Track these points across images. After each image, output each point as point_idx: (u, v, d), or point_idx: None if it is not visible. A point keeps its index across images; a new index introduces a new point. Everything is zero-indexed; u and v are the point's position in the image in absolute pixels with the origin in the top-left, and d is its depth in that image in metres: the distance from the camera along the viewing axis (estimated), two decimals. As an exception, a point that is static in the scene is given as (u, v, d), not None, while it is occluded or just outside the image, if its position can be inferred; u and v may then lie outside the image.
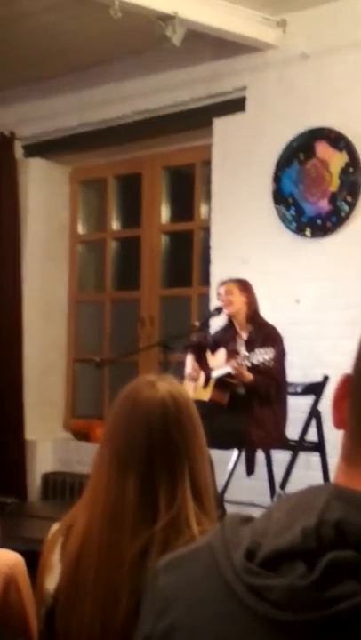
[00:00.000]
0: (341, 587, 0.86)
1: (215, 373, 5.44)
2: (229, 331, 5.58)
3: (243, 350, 5.36)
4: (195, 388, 5.51)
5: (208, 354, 5.63)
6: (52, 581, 1.92)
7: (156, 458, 1.87)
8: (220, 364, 5.43)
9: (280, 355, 5.28)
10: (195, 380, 5.56)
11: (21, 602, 2.01)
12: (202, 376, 5.58)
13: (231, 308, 5.49)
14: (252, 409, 5.32)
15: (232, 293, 5.49)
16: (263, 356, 5.10)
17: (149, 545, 1.81)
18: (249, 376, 5.23)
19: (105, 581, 1.83)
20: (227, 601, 0.91)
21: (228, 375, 5.32)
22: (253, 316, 5.49)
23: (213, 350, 5.59)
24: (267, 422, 5.33)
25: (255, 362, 5.13)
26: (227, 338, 5.57)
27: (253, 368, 5.18)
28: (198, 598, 0.94)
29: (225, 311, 5.54)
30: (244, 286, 5.53)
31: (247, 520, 0.97)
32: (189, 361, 5.62)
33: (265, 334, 5.39)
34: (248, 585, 0.90)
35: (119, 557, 1.83)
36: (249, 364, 5.17)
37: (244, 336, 5.49)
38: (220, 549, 0.94)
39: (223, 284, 5.57)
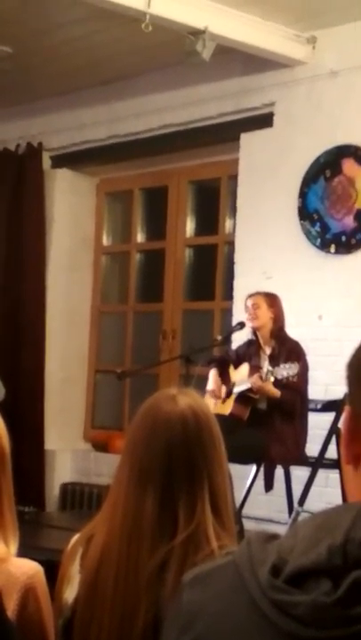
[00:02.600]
0: (366, 605, 0.86)
1: (237, 388, 5.43)
2: (253, 345, 5.58)
3: (266, 365, 5.35)
4: (215, 404, 5.50)
5: (231, 368, 5.62)
6: (70, 593, 1.92)
7: (175, 472, 1.86)
8: (242, 378, 5.42)
9: (304, 370, 5.27)
10: (217, 397, 5.54)
11: (40, 612, 2.01)
12: (223, 390, 5.57)
13: (256, 322, 5.47)
14: (274, 424, 5.31)
15: (259, 307, 5.47)
16: (288, 370, 5.09)
17: (168, 559, 1.81)
18: (276, 392, 5.22)
19: (123, 594, 1.82)
20: (251, 617, 0.91)
21: (250, 390, 5.31)
22: (278, 332, 5.47)
23: (236, 365, 5.59)
24: (287, 438, 5.31)
25: (280, 377, 5.12)
26: (250, 353, 5.56)
27: (278, 383, 5.17)
28: (223, 613, 0.94)
29: (249, 324, 5.52)
30: (273, 301, 5.51)
31: (273, 537, 0.97)
32: (213, 377, 5.60)
33: (288, 349, 5.38)
34: (273, 601, 0.90)
35: (138, 571, 1.82)
36: (273, 379, 5.15)
37: (268, 351, 5.48)
38: (246, 565, 0.94)
39: (251, 296, 5.55)
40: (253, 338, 5.58)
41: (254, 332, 5.55)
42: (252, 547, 0.96)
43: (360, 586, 0.87)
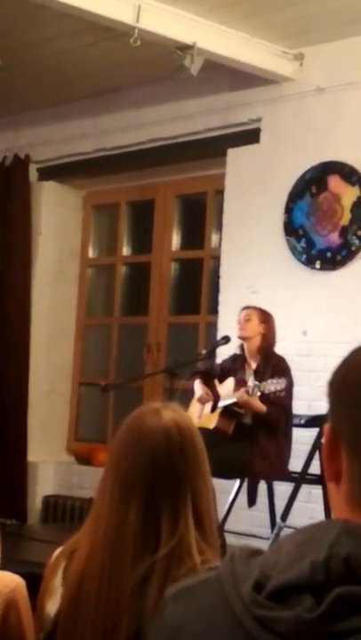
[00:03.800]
0: (348, 621, 0.86)
1: (222, 402, 5.43)
2: (238, 360, 5.57)
3: (251, 380, 5.35)
4: (200, 415, 5.50)
5: (216, 382, 5.62)
6: (52, 606, 1.92)
7: (159, 486, 1.86)
8: (227, 392, 5.42)
9: (290, 386, 5.28)
10: (207, 401, 5.52)
11: (21, 625, 2.01)
12: (209, 404, 5.57)
13: (244, 333, 5.46)
14: (258, 439, 5.31)
15: (250, 320, 5.46)
16: (275, 385, 5.09)
17: (151, 573, 1.81)
18: (262, 407, 5.22)
19: (105, 608, 1.82)
20: (234, 632, 0.91)
21: (236, 404, 5.31)
22: (266, 349, 5.46)
23: (221, 379, 5.59)
24: (271, 453, 5.31)
25: (267, 391, 5.11)
26: (235, 367, 5.56)
27: (264, 398, 5.17)
28: (205, 629, 0.94)
29: (238, 334, 5.51)
30: (265, 317, 5.49)
31: (256, 553, 0.97)
32: (198, 385, 5.59)
33: (274, 365, 5.38)
34: (256, 616, 0.90)
35: (120, 584, 1.82)
36: (260, 393, 5.15)
37: (253, 365, 5.48)
38: (229, 581, 0.94)
39: (246, 308, 5.55)
40: (239, 352, 5.58)
41: (241, 345, 5.55)
42: (235, 562, 0.97)
43: (343, 602, 0.87)
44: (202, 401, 5.52)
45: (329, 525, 0.93)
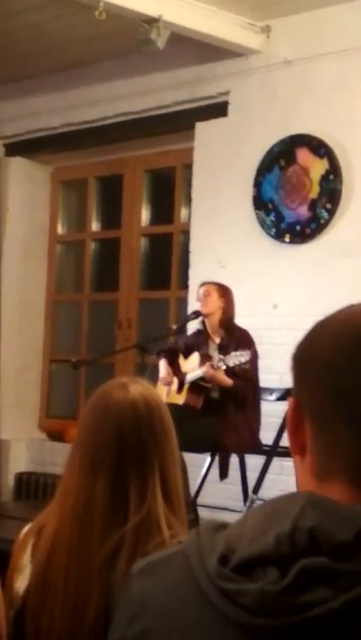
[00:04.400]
0: (313, 593, 0.86)
1: (189, 377, 5.44)
2: (201, 335, 5.60)
3: (216, 354, 5.37)
4: (168, 392, 5.51)
5: (181, 359, 5.64)
6: (21, 583, 1.92)
7: (126, 459, 1.87)
8: (193, 367, 5.44)
9: (254, 357, 5.30)
10: (169, 383, 5.56)
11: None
12: (175, 381, 5.58)
13: (205, 309, 5.49)
14: (227, 413, 5.33)
15: (210, 295, 5.49)
16: (239, 358, 5.11)
17: (120, 546, 1.81)
18: (228, 381, 5.24)
19: (74, 582, 1.82)
20: (200, 606, 0.91)
21: (202, 379, 5.33)
22: (227, 322, 5.49)
23: (186, 355, 5.60)
24: (240, 426, 5.33)
25: (231, 364, 5.14)
26: (199, 342, 5.58)
27: (230, 371, 5.19)
28: (172, 603, 0.94)
29: (199, 310, 5.54)
30: (224, 292, 5.53)
31: (222, 526, 0.97)
32: (163, 365, 5.62)
33: (237, 338, 5.40)
34: (221, 590, 0.90)
35: (89, 558, 1.82)
36: (224, 367, 5.17)
37: (217, 340, 5.50)
38: (195, 555, 0.94)
39: (204, 284, 5.58)
40: (202, 328, 5.60)
41: (203, 321, 5.57)
42: (200, 536, 0.96)
43: (307, 574, 0.87)
44: (163, 382, 5.53)
45: (294, 498, 0.93)
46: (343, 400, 0.95)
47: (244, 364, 5.11)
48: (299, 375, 1.02)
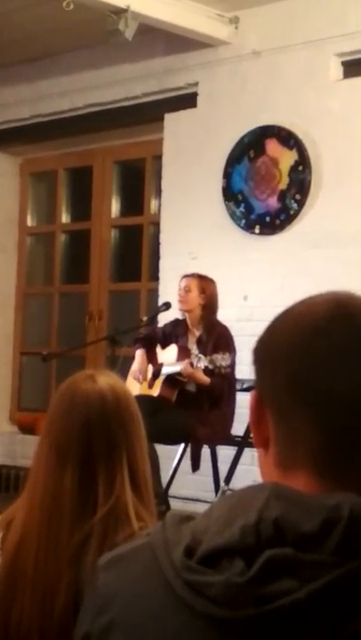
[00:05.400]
0: (278, 584, 0.87)
1: (165, 370, 5.41)
2: (180, 326, 5.56)
3: (195, 349, 5.34)
4: (140, 385, 5.47)
5: (158, 348, 5.61)
6: (-9, 576, 1.91)
7: (94, 448, 1.87)
8: (170, 359, 5.41)
9: (234, 356, 5.26)
10: (139, 381, 5.49)
11: None
12: (150, 370, 5.56)
13: (184, 306, 5.44)
14: (201, 407, 5.31)
15: (190, 291, 5.43)
16: (221, 362, 5.05)
17: (89, 537, 1.81)
18: (205, 379, 5.21)
19: (44, 574, 1.82)
20: (166, 598, 0.91)
21: (179, 373, 5.30)
22: (208, 317, 5.44)
23: (164, 345, 5.57)
24: (214, 420, 5.33)
25: (211, 367, 5.08)
26: (177, 333, 5.54)
27: (208, 370, 5.16)
28: (138, 595, 0.94)
29: (178, 306, 5.49)
30: (207, 286, 5.43)
31: (188, 518, 0.97)
32: (139, 357, 5.56)
33: (218, 335, 5.35)
34: (187, 581, 0.90)
35: (58, 550, 1.82)
36: (203, 367, 5.13)
37: (196, 333, 5.47)
38: (161, 547, 0.94)
39: (186, 277, 5.50)
40: (182, 318, 5.56)
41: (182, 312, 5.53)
42: (166, 528, 0.97)
43: (273, 565, 0.87)
44: (134, 376, 5.47)
45: (259, 489, 0.93)
46: (300, 388, 0.96)
47: (225, 367, 5.06)
48: (259, 367, 1.02)
